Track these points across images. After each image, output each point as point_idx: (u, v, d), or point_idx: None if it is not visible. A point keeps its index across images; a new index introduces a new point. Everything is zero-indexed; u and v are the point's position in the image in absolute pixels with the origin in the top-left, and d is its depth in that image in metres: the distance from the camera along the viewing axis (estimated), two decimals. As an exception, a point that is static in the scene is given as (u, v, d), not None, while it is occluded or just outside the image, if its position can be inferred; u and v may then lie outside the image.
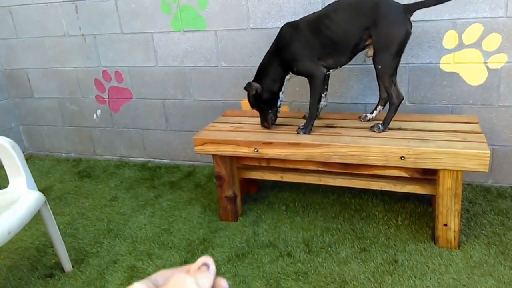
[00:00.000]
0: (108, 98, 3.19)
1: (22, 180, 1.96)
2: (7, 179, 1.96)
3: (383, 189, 2.09)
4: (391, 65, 1.98)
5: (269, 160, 2.22)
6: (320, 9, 2.17)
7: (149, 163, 3.19)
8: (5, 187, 1.97)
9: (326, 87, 2.32)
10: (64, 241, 2.03)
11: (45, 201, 1.93)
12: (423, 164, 1.87)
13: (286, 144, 2.08)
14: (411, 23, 1.97)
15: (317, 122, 2.27)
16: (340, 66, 2.15)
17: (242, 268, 1.96)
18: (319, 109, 2.27)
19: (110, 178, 3.02)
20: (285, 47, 2.13)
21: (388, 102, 2.08)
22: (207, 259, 0.51)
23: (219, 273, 1.91)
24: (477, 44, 2.25)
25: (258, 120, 2.38)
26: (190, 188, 2.75)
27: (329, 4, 2.10)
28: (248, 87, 2.18)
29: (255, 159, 2.25)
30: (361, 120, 2.27)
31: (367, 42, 2.04)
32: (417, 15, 2.29)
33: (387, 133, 2.05)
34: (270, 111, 2.24)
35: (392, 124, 2.16)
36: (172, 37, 2.84)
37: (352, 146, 1.96)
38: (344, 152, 1.97)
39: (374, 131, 2.09)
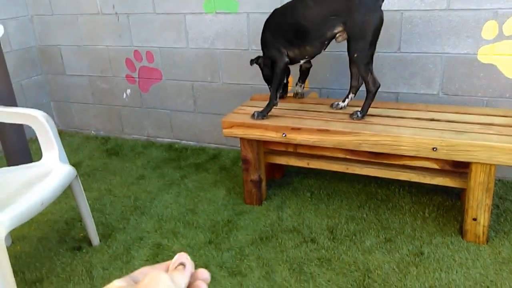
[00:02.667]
0: (138, 78, 3.22)
1: (55, 153, 2.01)
2: (40, 152, 2.01)
3: (411, 180, 2.06)
4: (367, 53, 1.99)
5: (296, 146, 2.21)
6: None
7: (175, 144, 3.22)
8: (38, 160, 2.02)
9: (303, 77, 2.41)
10: (92, 216, 2.08)
11: (76, 175, 1.97)
12: (455, 156, 1.83)
13: (315, 130, 2.06)
14: (382, 11, 1.98)
15: (347, 110, 2.24)
16: (309, 57, 2.20)
17: (265, 251, 1.97)
18: (278, 97, 2.25)
19: (137, 157, 3.07)
20: (262, 33, 2.24)
21: (366, 90, 2.08)
22: (183, 258, 0.52)
23: (242, 254, 1.94)
24: (518, 36, 2.18)
25: (286, 105, 2.37)
26: (215, 171, 2.77)
27: None
28: (252, 59, 2.30)
29: (282, 144, 2.24)
30: (333, 108, 2.28)
31: (336, 30, 2.03)
32: (456, 4, 2.23)
33: (420, 123, 2.01)
34: (269, 87, 2.30)
35: (424, 114, 2.12)
36: (204, 19, 2.83)
37: (383, 135, 1.93)
38: (375, 141, 1.95)
39: (353, 119, 2.10)
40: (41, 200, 1.74)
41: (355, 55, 2.01)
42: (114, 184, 2.68)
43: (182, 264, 0.50)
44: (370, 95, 2.07)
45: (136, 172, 2.82)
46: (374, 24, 1.96)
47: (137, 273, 0.51)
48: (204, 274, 0.52)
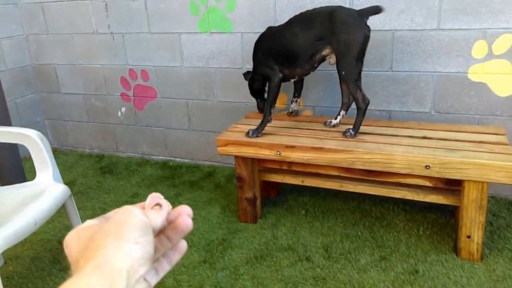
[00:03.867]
0: (133, 96, 3.23)
1: (49, 173, 2.00)
2: (34, 170, 2.00)
3: (405, 197, 2.07)
4: (355, 70, 2.03)
5: (290, 163, 2.22)
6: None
7: (170, 162, 3.22)
8: (32, 179, 2.02)
9: (297, 93, 2.49)
10: (86, 235, 2.07)
11: (70, 194, 1.96)
12: (448, 174, 1.85)
13: (309, 148, 2.08)
14: (368, 27, 2.03)
15: (340, 128, 2.26)
16: (300, 77, 2.28)
17: (260, 270, 1.96)
18: (271, 114, 2.27)
19: (131, 175, 3.06)
20: (255, 52, 2.32)
21: (356, 107, 2.11)
22: (158, 198, 0.51)
23: (237, 273, 1.93)
24: (507, 55, 2.22)
25: (280, 123, 2.39)
26: (210, 188, 2.77)
27: (294, 16, 2.19)
28: (244, 74, 2.44)
29: (277, 162, 2.25)
30: (326, 126, 2.31)
31: (325, 52, 2.10)
32: (446, 24, 2.27)
33: (412, 141, 2.04)
34: (258, 101, 2.47)
35: (417, 132, 2.14)
36: (199, 38, 2.86)
37: (376, 153, 1.95)
38: (368, 159, 1.96)
39: (347, 137, 2.13)
40: (34, 220, 1.73)
41: (343, 73, 2.04)
42: (108, 202, 2.67)
43: (158, 204, 0.50)
44: (360, 112, 2.10)
45: (130, 190, 2.81)
46: (358, 41, 2.00)
47: (110, 213, 0.50)
48: (186, 209, 0.51)
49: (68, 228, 2.35)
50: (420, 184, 2.01)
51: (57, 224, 2.45)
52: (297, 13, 2.19)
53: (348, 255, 2.02)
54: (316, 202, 2.49)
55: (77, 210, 2.01)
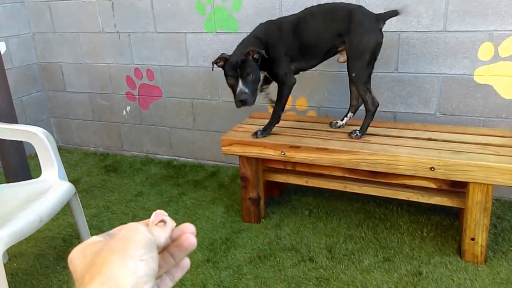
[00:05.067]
0: (138, 95, 3.24)
1: (54, 170, 2.01)
2: (40, 168, 2.01)
3: (410, 199, 2.07)
4: (365, 72, 2.03)
5: (295, 164, 2.22)
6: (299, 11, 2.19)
7: (174, 161, 3.23)
8: (37, 176, 2.03)
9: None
10: (90, 233, 2.08)
11: (75, 192, 1.97)
12: (453, 176, 1.84)
13: (313, 149, 2.08)
14: (382, 34, 2.04)
15: (346, 129, 2.26)
16: (310, 68, 2.23)
17: (263, 270, 1.96)
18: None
19: (136, 174, 3.07)
20: (271, 47, 2.10)
21: (365, 109, 2.11)
22: (162, 215, 0.51)
23: (240, 273, 1.93)
24: (514, 57, 2.21)
25: (285, 123, 2.39)
26: (214, 188, 2.77)
27: (306, 8, 2.16)
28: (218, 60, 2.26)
29: (281, 162, 2.25)
30: (332, 127, 2.31)
31: (340, 48, 2.10)
32: (452, 26, 2.27)
33: (417, 143, 2.03)
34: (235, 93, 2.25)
35: (422, 134, 2.14)
36: (205, 38, 2.87)
37: (381, 154, 1.94)
38: (373, 160, 1.96)
39: (352, 138, 2.13)
40: (39, 217, 1.74)
41: (353, 74, 2.04)
42: (112, 201, 2.68)
43: (163, 221, 0.50)
44: (369, 114, 2.09)
45: (135, 189, 2.82)
46: (370, 46, 1.99)
47: (115, 230, 0.50)
48: (189, 227, 0.52)
49: (72, 225, 2.37)
50: (424, 186, 2.00)
51: (61, 222, 2.46)
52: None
53: (352, 256, 2.02)
54: (320, 202, 2.49)
55: (81, 208, 2.02)
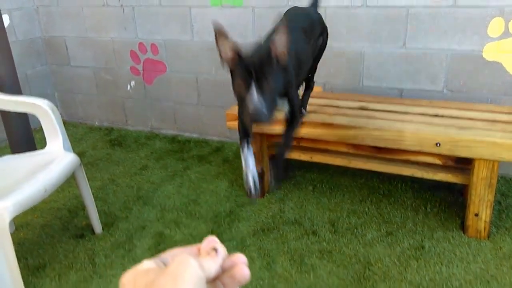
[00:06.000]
0: (143, 70, 3.23)
1: (59, 141, 2.02)
2: (45, 142, 2.02)
3: (414, 175, 2.06)
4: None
5: (299, 139, 2.21)
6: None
7: (179, 136, 3.23)
8: (42, 148, 2.03)
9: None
10: (95, 205, 2.09)
11: (80, 163, 1.98)
12: (459, 152, 1.83)
13: (319, 124, 2.07)
14: None
15: (351, 104, 2.25)
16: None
17: (267, 242, 1.98)
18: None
19: (140, 148, 3.08)
20: (286, 74, 1.62)
21: (306, 89, 2.15)
22: (215, 243, 0.49)
23: (244, 244, 1.94)
24: (524, 33, 2.18)
25: (291, 98, 2.37)
26: (218, 163, 2.78)
27: (289, 20, 1.57)
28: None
29: (286, 137, 2.24)
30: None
31: None
32: (462, 0, 2.23)
33: (424, 119, 2.02)
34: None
35: (428, 110, 2.12)
36: (210, 12, 2.83)
37: (386, 130, 1.93)
38: (378, 136, 1.95)
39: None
40: (44, 187, 1.75)
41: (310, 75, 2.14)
42: (117, 174, 2.69)
43: (214, 249, 0.48)
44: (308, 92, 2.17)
45: (139, 163, 2.83)
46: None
47: (167, 255, 0.49)
48: (241, 258, 0.50)
49: (77, 197, 2.38)
50: (429, 162, 2.00)
51: (67, 194, 2.48)
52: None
53: (355, 230, 2.03)
54: (324, 178, 2.50)
55: (86, 180, 2.03)
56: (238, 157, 2.84)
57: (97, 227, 2.11)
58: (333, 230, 2.04)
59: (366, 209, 2.18)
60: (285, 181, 2.49)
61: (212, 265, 0.46)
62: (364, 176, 2.47)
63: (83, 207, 2.27)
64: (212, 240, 0.49)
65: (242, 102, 1.44)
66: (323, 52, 2.10)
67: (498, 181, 2.33)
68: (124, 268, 1.88)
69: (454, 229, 2.00)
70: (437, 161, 1.97)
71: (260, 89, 1.37)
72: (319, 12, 2.10)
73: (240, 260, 0.49)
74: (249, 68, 1.38)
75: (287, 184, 2.46)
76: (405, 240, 1.94)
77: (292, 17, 1.83)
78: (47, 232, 2.15)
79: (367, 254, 1.87)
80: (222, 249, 0.49)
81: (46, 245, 2.05)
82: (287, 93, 1.62)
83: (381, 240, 1.95)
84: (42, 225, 2.21)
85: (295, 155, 2.30)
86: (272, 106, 1.42)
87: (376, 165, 2.14)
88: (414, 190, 2.32)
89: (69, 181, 1.99)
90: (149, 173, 2.69)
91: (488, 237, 1.92)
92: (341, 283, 1.73)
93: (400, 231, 2.00)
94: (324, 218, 2.14)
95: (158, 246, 1.99)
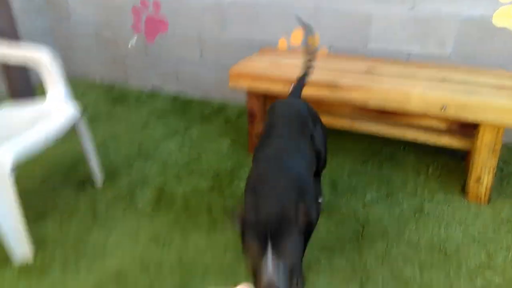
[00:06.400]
0: (144, 27, 3.16)
1: (60, 91, 1.99)
2: (46, 95, 1.99)
3: (418, 139, 2.06)
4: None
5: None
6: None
7: (181, 96, 3.20)
8: (43, 99, 2.01)
9: None
10: (96, 158, 2.09)
11: (81, 115, 1.96)
12: (464, 116, 1.82)
13: (324, 86, 2.04)
14: None
15: (357, 66, 2.21)
16: None
17: (267, 200, 1.98)
18: None
19: (142, 106, 3.05)
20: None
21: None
22: None
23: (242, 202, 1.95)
24: (538, -2, 2.12)
25: (296, 61, 2.34)
26: (220, 123, 2.76)
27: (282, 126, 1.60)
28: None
29: (290, 97, 2.22)
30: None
31: None
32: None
33: (430, 83, 1.99)
34: None
35: (436, 74, 2.09)
36: (215, -33, 2.75)
37: (392, 92, 1.91)
38: (384, 98, 1.93)
39: None
40: (45, 135, 1.74)
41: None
42: (119, 130, 2.68)
43: None
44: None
45: (141, 120, 2.81)
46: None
47: None
48: None
49: (78, 151, 2.37)
50: (434, 127, 1.99)
51: (67, 147, 2.46)
52: None
53: (354, 191, 2.03)
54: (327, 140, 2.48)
55: (88, 132, 2.02)
56: (240, 117, 2.82)
57: (98, 180, 2.11)
58: (333, 190, 2.05)
59: (368, 170, 2.19)
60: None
61: None
62: (367, 139, 2.46)
63: (84, 161, 2.27)
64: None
65: (253, 270, 1.15)
66: (325, 144, 1.84)
67: (501, 149, 2.33)
68: (125, 219, 1.90)
69: (455, 193, 2.00)
70: (442, 125, 1.96)
71: (277, 255, 1.11)
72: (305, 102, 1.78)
73: None
74: (265, 228, 1.13)
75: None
76: (405, 201, 1.95)
77: (283, 118, 1.64)
78: (47, 184, 2.15)
79: (366, 214, 1.88)
80: None
81: (47, 195, 2.06)
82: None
83: (381, 201, 1.96)
84: (42, 177, 2.21)
85: (298, 116, 2.28)
86: (290, 281, 1.14)
87: (379, 128, 2.12)
88: (416, 154, 2.31)
89: (70, 135, 1.98)
90: (151, 130, 2.67)
91: (488, 202, 1.93)
92: (339, 241, 1.74)
93: (400, 193, 2.00)
94: (325, 178, 2.13)
95: (159, 200, 2.00)
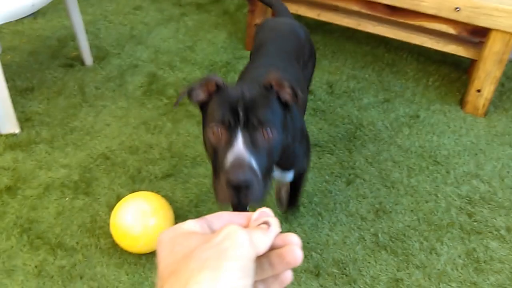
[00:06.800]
0: None
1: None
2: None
3: (423, 45, 1.96)
4: None
5: (309, -7, 2.05)
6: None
7: (177, -18, 3.00)
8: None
9: None
10: (86, 36, 1.98)
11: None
12: (477, 20, 1.72)
13: (333, -25, 1.89)
14: None
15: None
16: None
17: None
18: None
19: (135, -11, 2.86)
20: None
21: None
22: (268, 215, 0.42)
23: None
24: None
25: None
26: (217, 13, 2.61)
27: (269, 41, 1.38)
28: None
29: (295, -11, 2.08)
30: None
31: None
32: None
33: (447, -18, 1.85)
34: None
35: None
36: None
37: (406, -13, 1.78)
38: (396, -7, 1.80)
39: None
40: (31, 1, 1.61)
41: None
42: (110, 10, 2.52)
43: (266, 223, 0.41)
44: None
45: (133, 3, 2.64)
46: None
47: (214, 218, 0.42)
48: (294, 238, 0.43)
49: (67, 28, 2.26)
50: (442, 31, 1.89)
51: (56, 24, 2.34)
52: None
53: (352, 94, 1.99)
54: (328, 41, 2.38)
55: (78, 7, 1.89)
56: (239, 10, 2.66)
57: (88, 59, 2.02)
58: (330, 92, 2.00)
59: (367, 75, 2.12)
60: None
61: (263, 241, 0.40)
62: (370, 44, 2.36)
63: (73, 39, 2.16)
64: (265, 213, 0.42)
65: (217, 161, 0.85)
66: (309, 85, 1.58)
67: (506, 65, 2.26)
68: (114, 101, 1.85)
69: (452, 104, 1.97)
70: (451, 30, 1.86)
71: (251, 138, 0.84)
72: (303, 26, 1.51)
73: (294, 241, 0.43)
74: (236, 105, 0.84)
75: (288, 42, 2.34)
76: (401, 108, 1.91)
77: (274, 36, 1.39)
78: (35, 58, 2.06)
79: (360, 116, 1.85)
80: (275, 224, 0.42)
81: (34, 70, 1.98)
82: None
83: (376, 106, 1.92)
84: (30, 51, 2.11)
85: (302, 11, 2.16)
86: (268, 173, 0.89)
87: (386, 30, 2.02)
88: (419, 62, 2.24)
89: (58, 12, 1.85)
90: (144, 14, 2.52)
91: (485, 115, 1.90)
92: (330, 139, 1.74)
93: (397, 100, 1.96)
94: (322, 79, 2.08)
95: (150, 85, 1.94)
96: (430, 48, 1.97)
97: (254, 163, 0.81)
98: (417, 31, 1.96)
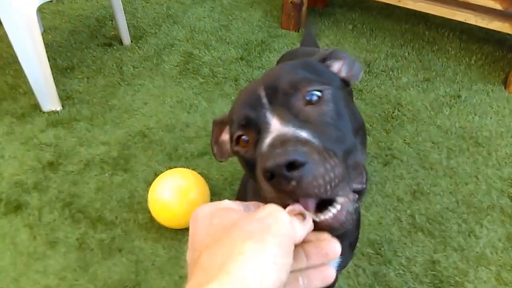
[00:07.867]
0: None
1: None
2: None
3: (467, 21, 1.88)
4: None
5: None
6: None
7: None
8: None
9: None
10: (124, 16, 2.00)
11: (109, -35, 1.84)
12: (527, -5, 1.63)
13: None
14: None
15: None
16: None
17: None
18: None
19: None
20: None
21: None
22: (303, 209, 0.42)
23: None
24: None
25: None
26: (253, -9, 2.58)
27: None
28: None
29: (333, -35, 2.02)
30: None
31: None
32: None
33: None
34: None
35: None
36: None
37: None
38: (439, -33, 1.73)
39: None
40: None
41: None
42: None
43: (302, 214, 0.42)
44: None
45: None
46: None
47: (250, 204, 0.44)
48: (329, 235, 0.44)
49: (106, 8, 2.29)
50: (489, 7, 1.80)
51: (95, 3, 2.38)
52: None
53: (390, 73, 1.94)
54: (366, 19, 2.32)
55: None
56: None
57: (126, 38, 2.05)
58: (367, 71, 1.95)
59: (406, 54, 2.06)
60: (323, 17, 2.33)
61: (300, 229, 0.40)
62: (410, 21, 2.29)
63: (111, 18, 2.20)
64: (299, 205, 0.43)
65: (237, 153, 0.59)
66: None
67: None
68: (151, 80, 1.87)
69: (496, 83, 1.89)
70: (498, 5, 1.78)
71: (294, 112, 0.52)
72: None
73: (329, 236, 0.43)
74: (255, 94, 0.56)
75: (325, 21, 2.30)
76: (442, 87, 1.85)
77: None
78: (75, 38, 2.11)
79: (399, 96, 1.81)
80: (309, 217, 0.42)
81: (74, 49, 2.03)
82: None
83: (416, 85, 1.87)
84: (70, 31, 2.16)
85: (339, -13, 2.11)
86: (349, 155, 0.51)
87: (428, 6, 1.94)
88: (461, 40, 2.15)
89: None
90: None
91: (531, 95, 1.82)
92: (367, 119, 1.70)
93: (438, 79, 1.90)
94: (360, 58, 2.03)
95: (187, 65, 1.95)
96: (473, 26, 1.89)
97: (306, 134, 0.47)
98: (461, 7, 1.88)
